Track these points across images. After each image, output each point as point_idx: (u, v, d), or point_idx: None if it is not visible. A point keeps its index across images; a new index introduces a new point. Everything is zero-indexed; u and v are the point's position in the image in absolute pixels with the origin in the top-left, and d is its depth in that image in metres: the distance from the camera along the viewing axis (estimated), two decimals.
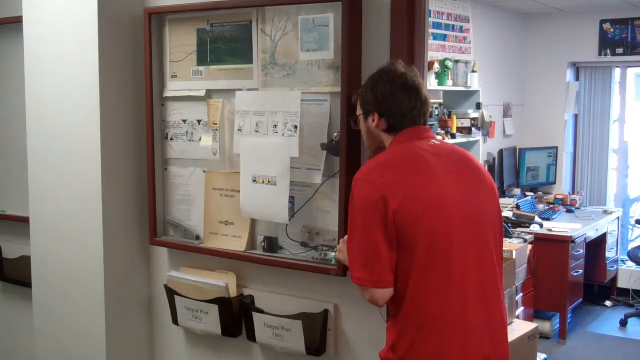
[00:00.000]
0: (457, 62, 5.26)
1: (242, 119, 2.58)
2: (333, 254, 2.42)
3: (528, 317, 4.88)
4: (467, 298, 1.96)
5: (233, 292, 2.68)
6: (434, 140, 2.08)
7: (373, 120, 2.07)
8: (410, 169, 1.98)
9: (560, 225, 5.52)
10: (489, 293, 2.02)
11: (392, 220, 1.90)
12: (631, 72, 6.80)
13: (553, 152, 6.57)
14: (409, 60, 2.24)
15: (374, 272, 1.93)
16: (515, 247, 4.25)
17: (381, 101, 2.05)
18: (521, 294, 4.60)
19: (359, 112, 2.13)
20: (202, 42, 2.72)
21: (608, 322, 5.93)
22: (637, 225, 6.52)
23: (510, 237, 4.85)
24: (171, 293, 2.81)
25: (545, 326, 5.34)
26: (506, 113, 6.46)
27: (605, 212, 6.27)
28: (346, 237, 2.23)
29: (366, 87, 2.10)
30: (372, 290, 1.94)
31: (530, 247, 4.89)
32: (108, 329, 2.85)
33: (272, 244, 2.60)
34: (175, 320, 2.84)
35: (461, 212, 1.97)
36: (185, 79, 2.78)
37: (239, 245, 2.66)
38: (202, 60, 2.73)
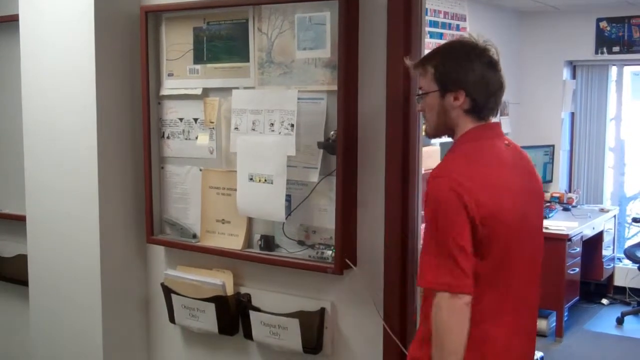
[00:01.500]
0: None
1: (239, 117, 2.57)
2: (330, 252, 2.42)
3: None
4: (518, 315, 1.92)
5: (230, 291, 2.68)
6: (507, 142, 1.95)
7: (456, 99, 1.87)
8: (495, 174, 1.86)
9: (557, 224, 5.52)
10: (533, 308, 2.00)
11: (479, 227, 1.78)
12: (627, 70, 6.80)
13: (549, 151, 6.57)
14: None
15: (455, 274, 1.75)
16: None
17: (470, 78, 1.85)
18: None
19: (432, 87, 1.91)
20: (198, 41, 2.72)
21: (604, 320, 5.94)
22: (633, 223, 6.53)
23: None
24: (168, 291, 2.81)
25: (542, 324, 5.33)
26: (502, 111, 6.46)
27: (602, 210, 6.28)
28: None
29: (444, 60, 1.90)
30: (455, 299, 1.75)
31: None
32: (105, 327, 2.84)
33: (268, 243, 2.60)
34: (172, 319, 2.84)
35: (525, 226, 1.90)
36: (181, 77, 2.78)
37: (235, 243, 2.66)
38: (198, 59, 2.73)
